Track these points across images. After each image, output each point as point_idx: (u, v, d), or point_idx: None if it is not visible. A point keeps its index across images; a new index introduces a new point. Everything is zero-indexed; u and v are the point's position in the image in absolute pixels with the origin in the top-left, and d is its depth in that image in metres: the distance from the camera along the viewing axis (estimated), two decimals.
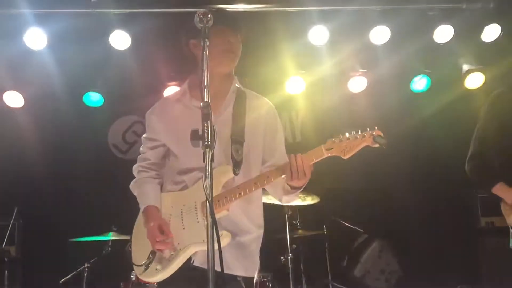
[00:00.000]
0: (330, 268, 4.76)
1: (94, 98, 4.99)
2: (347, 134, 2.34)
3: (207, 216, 1.92)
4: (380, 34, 4.58)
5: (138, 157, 2.65)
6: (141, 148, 2.64)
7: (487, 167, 3.04)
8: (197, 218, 2.36)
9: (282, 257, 4.35)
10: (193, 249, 2.33)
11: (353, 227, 4.86)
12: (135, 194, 2.60)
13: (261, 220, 2.54)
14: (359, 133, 2.33)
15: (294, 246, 4.38)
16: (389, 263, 5.07)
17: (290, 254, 4.31)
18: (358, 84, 5.15)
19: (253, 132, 2.49)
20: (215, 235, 1.90)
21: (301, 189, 2.45)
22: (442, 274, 5.12)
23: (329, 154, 2.33)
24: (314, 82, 5.11)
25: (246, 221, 2.44)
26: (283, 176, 2.36)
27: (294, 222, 4.64)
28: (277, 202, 4.22)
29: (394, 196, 5.25)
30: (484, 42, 4.69)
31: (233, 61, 2.50)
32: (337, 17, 4.39)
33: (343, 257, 5.19)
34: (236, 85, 2.54)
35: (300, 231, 4.64)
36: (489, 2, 4.17)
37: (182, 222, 2.40)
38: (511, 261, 3.13)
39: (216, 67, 2.42)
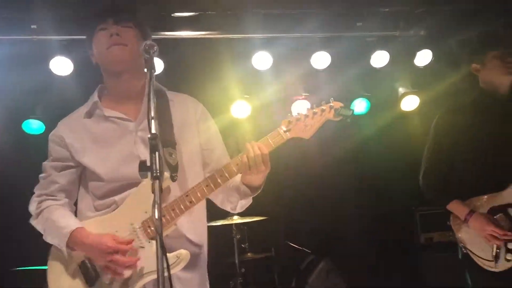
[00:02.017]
0: None
1: (34, 126, 4.76)
2: (304, 112, 2.11)
3: (157, 240, 1.55)
4: (321, 59, 4.66)
5: (37, 186, 2.27)
6: (41, 175, 2.28)
7: (443, 184, 3.08)
8: (140, 242, 2.02)
9: (231, 282, 4.28)
10: (147, 279, 2.01)
11: (300, 248, 4.85)
12: (41, 229, 2.19)
13: (205, 236, 2.28)
14: (316, 107, 2.12)
15: (243, 269, 4.31)
16: (336, 282, 5.08)
17: (239, 278, 4.24)
18: (301, 107, 5.19)
19: (184, 132, 2.21)
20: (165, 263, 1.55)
21: (259, 190, 2.20)
22: None
23: (288, 136, 2.11)
24: (259, 106, 5.13)
25: (193, 236, 2.17)
26: (238, 172, 2.07)
27: (242, 245, 4.58)
28: (225, 222, 4.13)
29: (338, 214, 5.32)
30: (418, 67, 4.86)
31: (122, 51, 2.16)
32: (280, 44, 4.43)
33: (292, 279, 5.18)
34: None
35: (249, 254, 4.59)
36: (420, 30, 4.33)
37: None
38: (451, 274, 3.18)
39: (108, 66, 2.20)
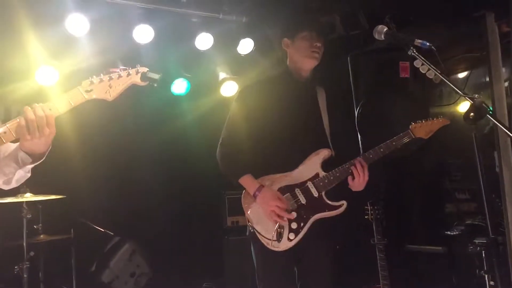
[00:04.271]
0: (76, 275, 4.30)
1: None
2: (107, 76, 2.02)
3: None
4: (143, 33, 4.34)
5: None
6: None
7: (237, 155, 2.99)
8: None
9: (16, 267, 3.73)
10: None
11: (103, 230, 4.49)
12: None
13: None
14: (123, 71, 2.04)
15: (32, 253, 3.80)
16: (139, 265, 4.86)
17: (26, 263, 3.72)
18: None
19: None
20: None
21: (43, 157, 1.97)
22: (189, 273, 5.14)
23: (90, 97, 1.97)
24: (69, 74, 4.58)
25: None
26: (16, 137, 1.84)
27: (35, 226, 4.04)
28: (14, 199, 3.59)
29: (147, 197, 5.10)
30: (240, 54, 4.84)
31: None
32: (97, 9, 3.98)
33: (93, 262, 4.79)
34: None
35: (42, 236, 4.07)
36: (242, 16, 4.29)
37: None
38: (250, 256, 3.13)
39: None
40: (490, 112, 2.25)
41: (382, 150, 2.93)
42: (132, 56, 4.75)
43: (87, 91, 1.97)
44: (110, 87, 2.00)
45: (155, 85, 2.06)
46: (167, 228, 5.16)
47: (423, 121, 2.93)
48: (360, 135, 4.50)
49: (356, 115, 4.75)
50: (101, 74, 2.01)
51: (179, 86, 5.05)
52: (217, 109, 5.37)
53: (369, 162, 2.92)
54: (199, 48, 4.61)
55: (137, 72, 2.05)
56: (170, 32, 4.48)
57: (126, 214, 4.99)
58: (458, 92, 2.31)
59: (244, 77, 5.03)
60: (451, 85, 2.31)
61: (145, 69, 2.07)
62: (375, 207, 3.90)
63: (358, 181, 2.89)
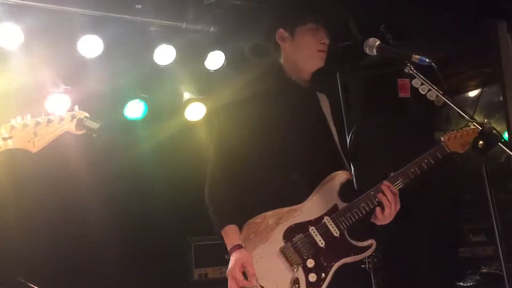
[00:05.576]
0: None
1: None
2: (34, 120, 1.92)
3: None
4: (90, 45, 4.35)
5: None
6: None
7: (226, 195, 2.79)
8: None
9: None
10: None
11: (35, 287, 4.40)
12: None
13: None
14: (56, 115, 1.97)
15: None
16: None
17: None
18: (57, 104, 4.76)
19: None
20: None
21: None
22: None
23: (7, 146, 1.87)
24: None
25: None
26: None
27: None
28: None
29: (94, 246, 5.02)
30: (208, 70, 4.87)
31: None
32: (32, 16, 3.98)
33: None
34: None
35: None
36: (209, 26, 4.33)
37: None
38: None
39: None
40: (503, 139, 2.30)
41: (412, 170, 2.82)
42: (76, 72, 4.75)
43: (3, 139, 1.87)
44: (36, 135, 1.92)
45: (94, 135, 2.02)
46: (121, 283, 5.07)
47: (457, 131, 2.89)
48: (352, 165, 4.54)
49: (348, 141, 4.80)
50: (27, 116, 1.92)
51: (134, 109, 5.04)
52: (181, 136, 5.38)
53: (399, 187, 2.81)
54: (159, 63, 4.63)
55: (72, 118, 1.99)
56: (123, 44, 4.50)
57: (66, 267, 4.89)
58: (464, 117, 2.35)
59: (214, 98, 5.05)
60: (456, 108, 2.36)
61: (83, 114, 2.03)
62: (373, 254, 3.89)
63: (390, 212, 2.76)
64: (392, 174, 2.86)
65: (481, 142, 2.33)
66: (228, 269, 2.67)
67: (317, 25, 2.90)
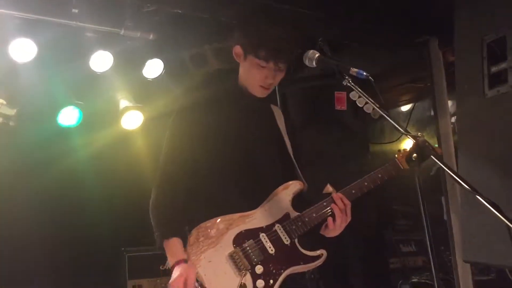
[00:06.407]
0: None
1: None
2: None
3: None
4: (23, 49, 4.21)
5: None
6: None
7: (171, 204, 2.74)
8: None
9: None
10: None
11: None
12: None
13: None
14: None
15: None
16: None
17: None
18: None
19: None
20: None
21: None
22: None
23: None
24: None
25: None
26: None
27: None
28: None
29: (25, 256, 4.86)
30: (146, 78, 4.82)
31: None
32: None
33: None
34: None
35: None
36: (148, 34, 4.29)
37: None
38: None
39: None
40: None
41: (366, 184, 2.85)
42: (7, 77, 4.58)
43: None
44: None
45: (11, 123, 1.92)
46: None
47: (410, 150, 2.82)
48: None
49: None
50: None
51: (69, 116, 4.89)
52: (117, 145, 5.30)
53: (351, 199, 2.82)
54: (95, 70, 4.55)
55: None
56: (58, 49, 4.39)
57: None
58: (399, 130, 2.41)
59: (151, 106, 4.99)
60: (392, 121, 2.42)
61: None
62: None
63: (340, 223, 2.77)
64: (330, 187, 2.89)
65: (414, 155, 2.41)
66: (170, 281, 2.61)
67: (267, 59, 2.77)
